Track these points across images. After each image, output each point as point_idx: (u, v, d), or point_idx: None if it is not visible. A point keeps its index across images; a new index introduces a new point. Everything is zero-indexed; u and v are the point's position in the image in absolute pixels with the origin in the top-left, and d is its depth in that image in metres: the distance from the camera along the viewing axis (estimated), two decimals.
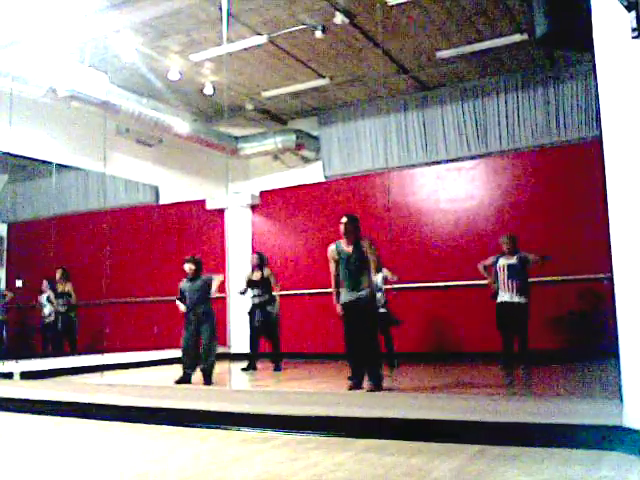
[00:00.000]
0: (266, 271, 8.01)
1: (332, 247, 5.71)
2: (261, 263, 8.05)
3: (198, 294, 6.66)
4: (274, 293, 8.02)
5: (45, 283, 10.39)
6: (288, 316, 9.70)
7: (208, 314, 6.65)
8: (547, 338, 8.26)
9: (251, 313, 8.05)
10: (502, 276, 7.27)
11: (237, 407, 4.46)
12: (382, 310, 7.44)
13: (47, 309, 10.30)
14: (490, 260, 7.51)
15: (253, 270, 8.08)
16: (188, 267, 6.74)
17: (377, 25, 7.03)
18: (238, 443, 3.81)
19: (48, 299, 10.28)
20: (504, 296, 7.25)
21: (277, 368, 7.88)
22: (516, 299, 7.18)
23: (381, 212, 9.43)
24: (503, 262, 7.32)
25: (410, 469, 3.01)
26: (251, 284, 8.01)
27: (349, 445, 3.60)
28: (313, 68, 8.43)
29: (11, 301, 11.23)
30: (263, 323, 7.92)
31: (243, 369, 7.93)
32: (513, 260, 7.29)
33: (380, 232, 9.02)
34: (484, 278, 7.68)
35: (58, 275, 9.92)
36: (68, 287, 9.93)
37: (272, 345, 8.06)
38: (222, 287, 10.17)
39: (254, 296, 8.01)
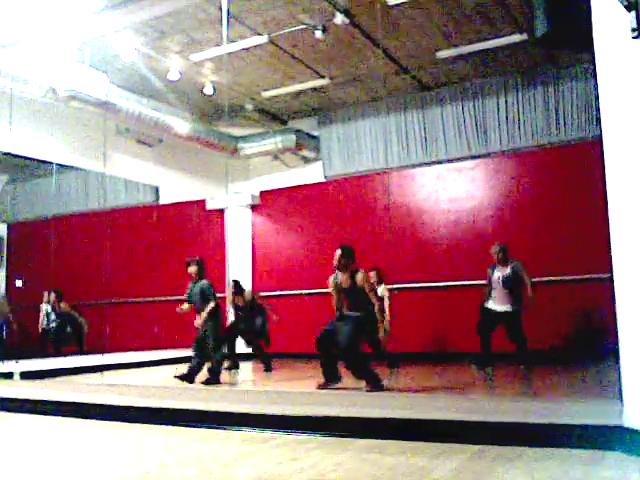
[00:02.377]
0: (247, 296, 8.06)
1: (331, 278, 5.83)
2: (238, 290, 8.10)
3: (199, 298, 6.70)
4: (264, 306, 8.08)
5: (46, 295, 10.34)
6: (288, 316, 9.70)
7: (210, 317, 6.66)
8: (547, 338, 8.26)
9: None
10: (498, 287, 7.27)
11: (237, 407, 4.46)
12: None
13: (51, 317, 10.26)
14: (488, 274, 7.46)
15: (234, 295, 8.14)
16: (190, 270, 6.78)
17: (377, 25, 7.03)
18: (238, 443, 3.81)
19: (48, 312, 10.25)
20: (496, 306, 7.27)
21: (267, 369, 7.89)
22: (506, 308, 7.22)
23: (381, 212, 9.44)
24: (498, 274, 7.32)
25: (410, 469, 3.01)
26: (236, 308, 8.11)
27: (349, 445, 3.60)
28: (313, 68, 8.43)
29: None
30: (246, 328, 7.97)
31: (225, 368, 7.92)
32: (507, 271, 7.28)
33: (380, 232, 9.05)
34: (484, 278, 7.70)
35: (52, 298, 9.88)
36: (65, 307, 9.89)
37: (256, 348, 8.11)
38: (222, 288, 10.22)
39: (240, 315, 8.08)
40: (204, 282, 6.76)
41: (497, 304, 7.28)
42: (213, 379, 6.53)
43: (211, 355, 6.65)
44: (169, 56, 7.95)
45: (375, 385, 5.38)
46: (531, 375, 6.86)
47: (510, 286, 7.22)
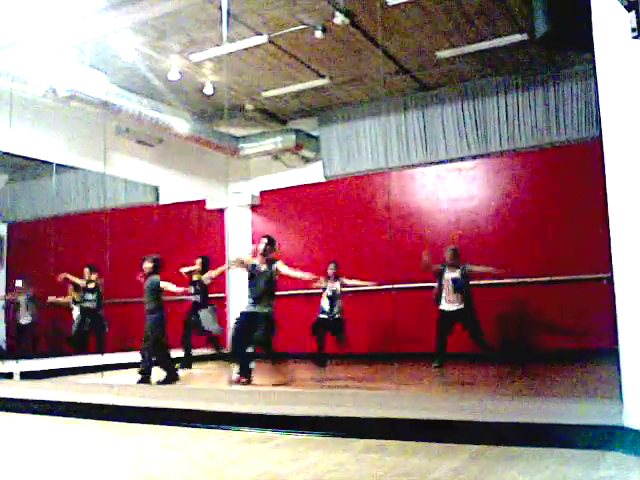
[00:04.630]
0: (206, 279, 8.29)
1: (248, 257, 6.54)
2: (205, 268, 8.33)
3: (148, 293, 6.75)
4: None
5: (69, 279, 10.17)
6: (288, 316, 9.69)
7: (152, 312, 6.69)
8: (547, 338, 8.26)
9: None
10: (448, 288, 7.56)
11: (237, 407, 4.46)
12: (337, 316, 8.04)
13: (75, 311, 10.17)
14: (436, 267, 7.72)
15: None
16: (145, 266, 6.81)
17: (377, 25, 7.02)
18: (238, 443, 3.81)
19: (74, 301, 10.11)
20: (448, 306, 7.55)
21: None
22: (458, 306, 7.49)
23: (381, 212, 9.44)
24: (447, 276, 7.61)
25: (410, 469, 3.01)
26: (195, 285, 8.34)
27: (349, 445, 3.60)
28: (313, 68, 8.43)
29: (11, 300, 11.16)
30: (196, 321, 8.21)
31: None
32: (456, 274, 7.58)
33: (380, 232, 9.04)
34: (484, 278, 7.74)
35: (86, 274, 9.67)
36: (98, 281, 9.63)
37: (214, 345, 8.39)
38: (222, 288, 10.22)
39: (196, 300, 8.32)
40: (155, 277, 6.80)
41: (448, 304, 7.56)
42: (170, 377, 6.51)
43: (154, 352, 6.59)
44: (169, 56, 7.94)
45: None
46: (531, 375, 6.86)
47: (459, 288, 7.51)
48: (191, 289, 8.23)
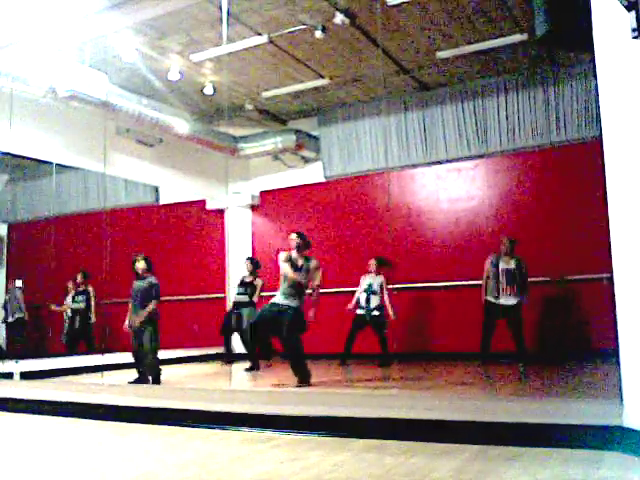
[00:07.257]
0: (257, 279, 8.51)
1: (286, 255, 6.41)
2: (254, 269, 8.59)
3: (142, 295, 6.65)
4: (255, 299, 8.42)
5: (71, 284, 10.52)
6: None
7: (149, 318, 6.58)
8: (547, 338, 8.26)
9: (232, 310, 8.48)
10: (502, 280, 7.48)
11: (237, 407, 4.46)
12: (376, 313, 7.84)
13: (68, 312, 10.46)
14: (489, 260, 7.60)
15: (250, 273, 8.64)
16: (137, 265, 6.74)
17: (377, 25, 7.02)
18: (238, 443, 3.81)
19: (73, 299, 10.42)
20: (500, 299, 7.47)
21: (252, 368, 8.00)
22: (511, 301, 7.43)
23: (381, 212, 9.44)
24: (503, 266, 7.54)
25: (410, 469, 3.01)
26: (241, 283, 8.56)
27: (349, 445, 3.61)
28: (313, 68, 8.43)
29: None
30: (236, 322, 8.32)
31: (246, 370, 7.97)
32: (512, 265, 7.50)
33: (380, 232, 9.04)
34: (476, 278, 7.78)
35: (79, 278, 10.19)
36: (89, 288, 10.20)
37: (245, 346, 8.32)
38: (222, 288, 10.24)
39: (237, 294, 8.49)
40: (152, 278, 6.74)
41: (502, 298, 7.47)
42: (151, 382, 6.44)
43: (145, 357, 6.50)
44: (169, 56, 7.94)
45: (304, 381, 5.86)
46: (530, 375, 6.86)
47: (513, 280, 7.43)
48: (240, 289, 8.48)
